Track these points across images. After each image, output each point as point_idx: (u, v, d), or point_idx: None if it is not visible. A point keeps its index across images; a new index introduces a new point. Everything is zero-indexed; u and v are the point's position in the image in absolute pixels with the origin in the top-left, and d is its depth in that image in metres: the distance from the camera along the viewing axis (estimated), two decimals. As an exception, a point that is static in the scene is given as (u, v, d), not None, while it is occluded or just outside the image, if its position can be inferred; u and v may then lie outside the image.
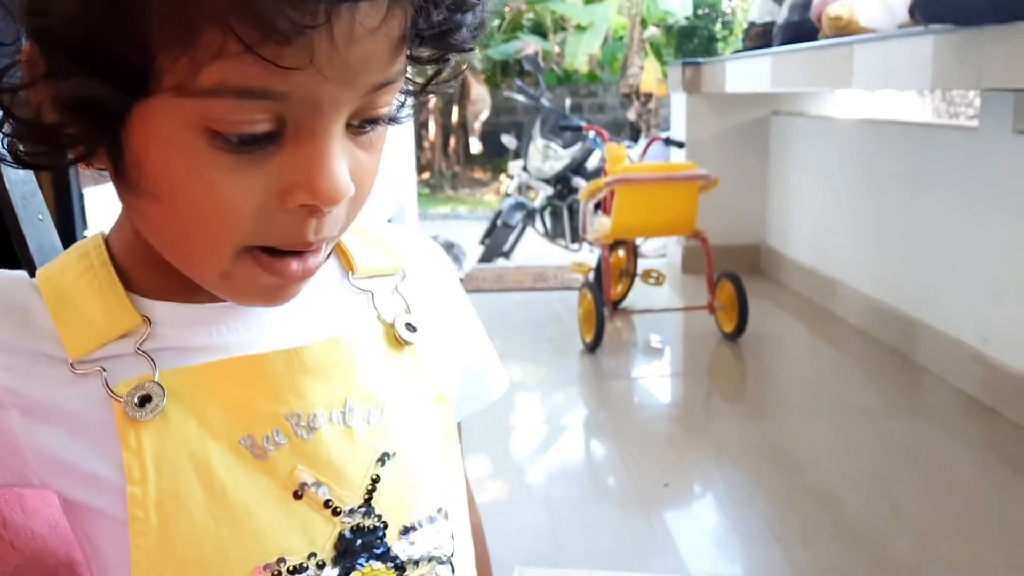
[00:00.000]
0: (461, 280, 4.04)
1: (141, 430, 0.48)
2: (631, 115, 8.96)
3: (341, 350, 0.53)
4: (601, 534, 1.95)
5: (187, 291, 0.51)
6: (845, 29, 2.70)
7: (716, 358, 3.16)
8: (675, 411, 2.80)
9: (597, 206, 3.47)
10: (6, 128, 0.46)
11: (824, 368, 3.02)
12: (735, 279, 3.14)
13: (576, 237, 4.98)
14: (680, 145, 4.12)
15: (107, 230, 0.54)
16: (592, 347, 3.12)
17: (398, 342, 0.57)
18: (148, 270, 0.51)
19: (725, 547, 1.93)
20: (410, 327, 0.58)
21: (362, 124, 0.47)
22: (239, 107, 0.42)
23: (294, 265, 0.48)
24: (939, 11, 2.08)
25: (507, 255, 4.96)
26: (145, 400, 0.49)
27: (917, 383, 2.77)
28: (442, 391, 0.59)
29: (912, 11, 2.31)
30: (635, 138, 7.13)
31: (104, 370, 0.49)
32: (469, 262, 4.33)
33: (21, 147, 0.47)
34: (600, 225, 3.28)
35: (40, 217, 0.72)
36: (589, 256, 3.76)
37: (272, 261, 0.48)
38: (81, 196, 0.99)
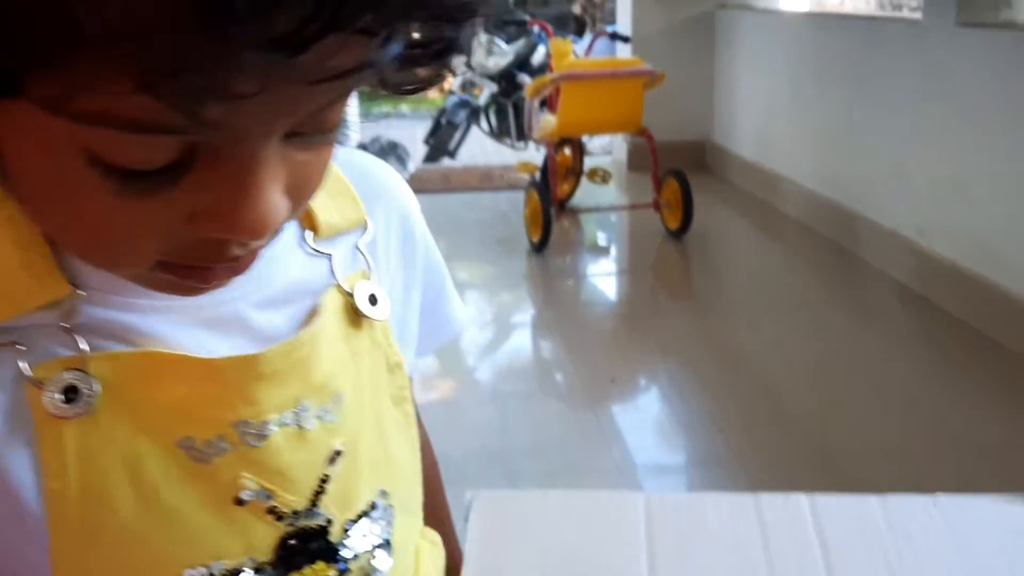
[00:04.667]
0: (406, 181, 4.00)
1: (64, 426, 0.42)
2: (576, 9, 8.76)
3: (300, 351, 0.47)
4: (550, 429, 2.00)
5: None
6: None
7: (661, 255, 3.19)
8: (621, 308, 2.84)
9: (543, 103, 3.42)
10: None
11: (767, 263, 3.08)
12: (680, 176, 3.15)
13: (522, 135, 4.92)
14: (626, 40, 4.05)
15: None
16: (539, 247, 3.12)
17: (357, 316, 0.51)
18: None
19: (670, 438, 1.99)
20: (372, 299, 0.52)
21: (305, 134, 0.38)
22: (129, 141, 0.32)
23: (221, 273, 0.41)
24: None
25: (452, 155, 4.89)
26: (70, 392, 0.42)
27: (855, 275, 2.84)
28: (397, 359, 0.55)
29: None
30: (580, 33, 6.99)
31: (19, 346, 0.42)
32: (414, 162, 4.26)
33: None
34: (546, 123, 3.24)
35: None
36: (535, 155, 3.73)
37: (192, 272, 0.40)
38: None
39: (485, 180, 4.17)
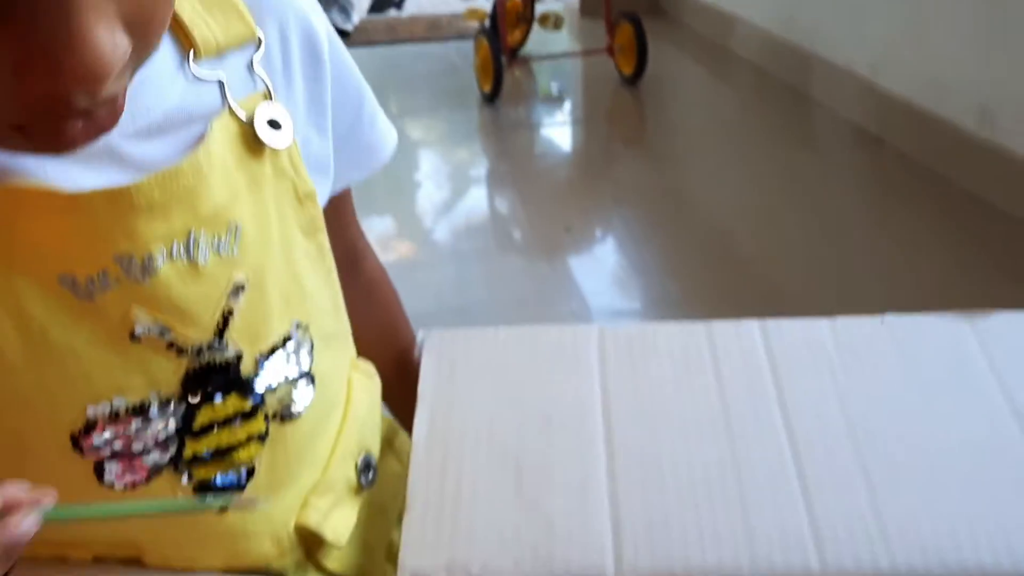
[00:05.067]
0: (350, 34, 3.84)
1: None
2: None
3: (180, 180, 0.44)
4: (507, 283, 2.01)
5: None
6: None
7: (616, 103, 3.13)
8: (576, 158, 2.81)
9: (489, -55, 3.26)
10: None
11: (721, 108, 3.04)
12: (634, 20, 3.05)
13: (470, -17, 4.72)
14: None
15: None
16: (491, 97, 3.04)
17: (257, 143, 0.48)
18: None
19: (625, 285, 2.02)
20: (273, 124, 0.48)
21: None
22: None
23: (81, 134, 0.37)
24: None
25: (398, 5, 4.69)
26: None
27: (810, 117, 2.82)
28: (307, 188, 0.52)
29: None
30: None
31: None
32: (358, 13, 4.08)
33: None
34: (493, -34, 3.09)
35: None
36: (484, 1, 3.58)
37: (49, 136, 0.37)
38: None
39: (433, 30, 4.02)
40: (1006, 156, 2.08)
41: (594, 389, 0.66)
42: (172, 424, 0.47)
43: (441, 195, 2.58)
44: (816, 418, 0.62)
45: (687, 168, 2.55)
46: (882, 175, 2.37)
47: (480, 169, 2.75)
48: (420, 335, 0.71)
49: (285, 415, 0.52)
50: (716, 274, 1.95)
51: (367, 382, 0.64)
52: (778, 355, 0.68)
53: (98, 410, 0.45)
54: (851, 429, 0.61)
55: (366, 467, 0.60)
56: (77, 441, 0.46)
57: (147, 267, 0.44)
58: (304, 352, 0.52)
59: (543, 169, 2.72)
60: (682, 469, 0.59)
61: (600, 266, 2.11)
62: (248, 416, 0.50)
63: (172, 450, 0.48)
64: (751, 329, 0.72)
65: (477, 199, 2.56)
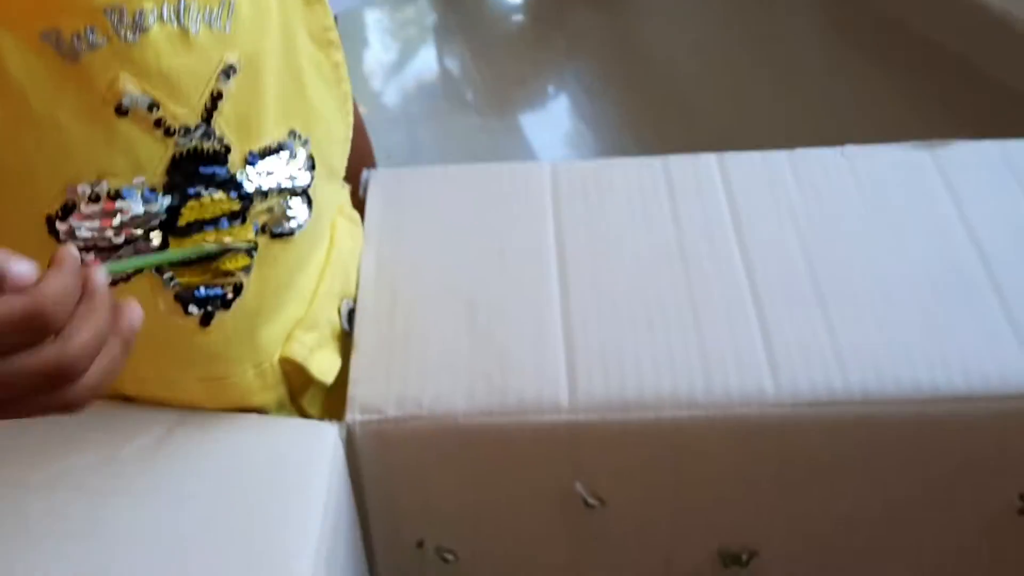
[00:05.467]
0: None
1: None
2: None
3: None
4: (459, 142, 1.97)
5: None
6: None
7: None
8: (528, 8, 2.72)
9: None
10: None
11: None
12: None
13: None
14: None
15: None
16: (438, -53, 2.89)
17: None
18: None
19: (579, 140, 1.98)
20: None
21: None
22: None
23: None
24: None
25: None
26: None
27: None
28: None
29: None
30: None
31: None
32: None
33: None
34: None
35: None
36: None
37: None
38: None
39: None
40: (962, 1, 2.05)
41: (547, 225, 0.64)
42: (155, 219, 0.45)
43: (390, 57, 2.49)
44: (773, 248, 0.61)
45: (643, 18, 2.48)
46: (839, 23, 2.33)
47: (427, 25, 2.65)
48: (364, 175, 0.68)
49: (276, 232, 0.50)
50: (671, 127, 1.92)
51: (352, 228, 0.62)
52: (736, 188, 0.66)
53: (78, 191, 0.43)
54: (808, 258, 0.60)
55: (349, 314, 0.59)
56: (53, 224, 0.43)
57: (138, 24, 0.42)
58: (301, 167, 0.50)
59: (493, 21, 2.63)
60: (637, 301, 0.58)
61: (553, 120, 2.07)
62: (236, 218, 0.47)
63: (154, 248, 0.46)
64: (708, 163, 0.69)
65: (427, 57, 2.47)
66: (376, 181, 0.68)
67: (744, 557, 0.59)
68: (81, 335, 0.32)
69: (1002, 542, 0.59)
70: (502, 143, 1.92)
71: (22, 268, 0.31)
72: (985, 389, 0.53)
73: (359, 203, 0.67)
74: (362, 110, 0.67)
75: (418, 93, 2.21)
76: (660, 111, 1.99)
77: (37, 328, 0.30)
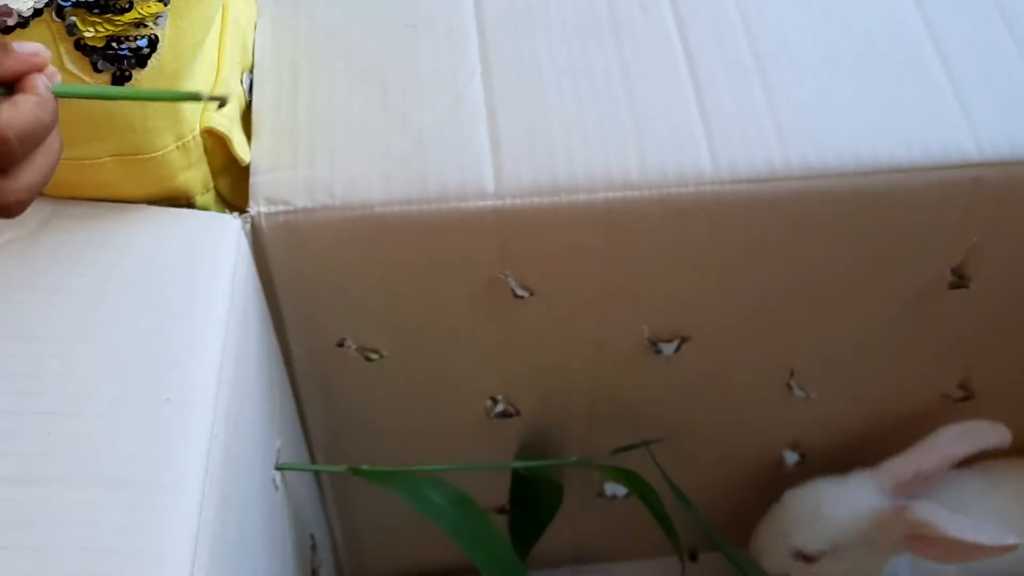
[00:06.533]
0: None
1: None
2: None
3: None
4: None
5: None
6: None
7: None
8: None
9: None
10: None
11: None
12: None
13: None
14: None
15: None
16: None
17: None
18: None
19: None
20: None
21: None
22: None
23: None
24: None
25: None
26: None
27: None
28: None
29: None
30: None
31: None
32: None
33: None
34: None
35: None
36: None
37: None
38: None
39: None
40: None
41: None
42: None
43: None
44: (710, 13, 0.56)
45: None
46: None
47: None
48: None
49: None
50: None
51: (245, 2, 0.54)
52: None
53: None
54: (747, 24, 0.55)
55: (250, 89, 0.53)
56: None
57: None
58: None
59: None
60: (565, 75, 0.53)
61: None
62: None
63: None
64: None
65: None
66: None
67: (676, 342, 0.58)
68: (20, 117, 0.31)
69: (929, 317, 0.59)
70: None
71: None
72: (926, 159, 0.50)
73: None
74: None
75: None
76: None
77: None
